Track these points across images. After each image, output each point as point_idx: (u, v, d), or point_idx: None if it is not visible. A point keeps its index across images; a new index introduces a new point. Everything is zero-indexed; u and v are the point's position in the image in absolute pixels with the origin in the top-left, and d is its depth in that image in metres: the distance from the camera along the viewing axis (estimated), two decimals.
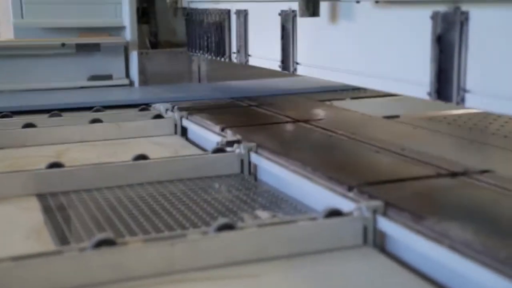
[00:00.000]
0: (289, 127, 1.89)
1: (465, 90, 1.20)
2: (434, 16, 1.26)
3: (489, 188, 1.21)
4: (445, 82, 1.24)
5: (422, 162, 1.39)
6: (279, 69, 1.92)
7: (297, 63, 1.84)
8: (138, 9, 2.83)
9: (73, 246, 1.04)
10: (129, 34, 2.79)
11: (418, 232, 1.03)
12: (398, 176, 1.31)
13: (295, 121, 1.94)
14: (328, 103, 2.31)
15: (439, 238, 0.99)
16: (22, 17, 2.71)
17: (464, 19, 1.19)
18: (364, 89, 2.58)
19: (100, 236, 1.02)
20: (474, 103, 1.18)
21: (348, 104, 2.29)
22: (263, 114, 2.12)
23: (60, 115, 2.15)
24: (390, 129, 1.81)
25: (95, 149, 1.89)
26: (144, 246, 1.03)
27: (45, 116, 2.14)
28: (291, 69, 1.85)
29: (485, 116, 1.92)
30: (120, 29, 2.82)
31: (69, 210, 1.36)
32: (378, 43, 1.49)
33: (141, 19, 2.87)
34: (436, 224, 1.02)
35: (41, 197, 1.44)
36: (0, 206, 1.40)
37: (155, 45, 2.93)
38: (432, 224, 1.03)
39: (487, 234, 0.97)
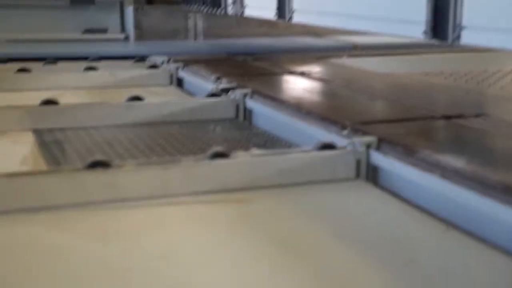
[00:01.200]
0: (285, 77, 1.89)
1: (461, 27, 1.20)
2: None
3: (482, 129, 1.22)
4: (441, 19, 1.24)
5: (417, 107, 1.40)
6: (275, 17, 1.91)
7: (293, 11, 1.83)
8: None
9: (68, 167, 1.04)
10: None
11: (411, 164, 1.04)
12: (392, 118, 1.32)
13: (290, 73, 1.94)
14: (325, 59, 2.31)
15: (431, 168, 1.00)
16: None
17: None
18: (361, 49, 2.59)
19: (95, 157, 1.03)
20: (470, 39, 1.19)
21: (345, 61, 2.29)
22: (259, 66, 2.12)
23: (55, 63, 2.14)
24: (385, 81, 1.82)
25: (90, 95, 1.89)
26: (139, 168, 1.03)
27: (40, 63, 2.13)
28: (287, 16, 1.85)
29: (482, 72, 1.93)
30: None
31: (65, 144, 1.36)
32: None
33: None
34: (428, 156, 1.03)
35: (37, 132, 1.44)
36: None
37: (150, 1, 2.91)
38: (424, 156, 1.04)
39: (477, 163, 0.98)
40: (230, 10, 2.29)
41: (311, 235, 0.90)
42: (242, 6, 2.20)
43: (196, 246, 0.86)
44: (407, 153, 1.07)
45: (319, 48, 2.54)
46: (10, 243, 0.86)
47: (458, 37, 1.23)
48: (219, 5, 2.35)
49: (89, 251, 0.84)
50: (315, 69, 2.05)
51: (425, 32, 1.30)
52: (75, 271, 0.78)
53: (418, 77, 1.84)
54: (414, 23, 1.34)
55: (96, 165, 1.02)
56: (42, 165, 1.22)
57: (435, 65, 2.09)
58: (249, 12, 2.17)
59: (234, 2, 2.24)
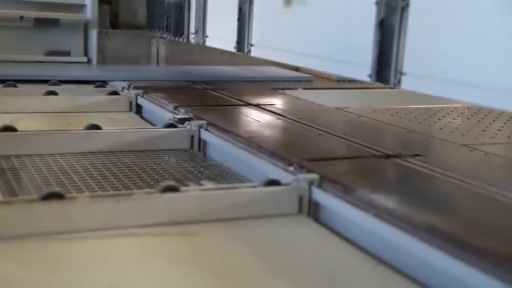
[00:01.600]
0: (240, 109, 1.97)
1: (401, 73, 1.30)
2: (378, 2, 1.36)
3: (417, 169, 1.31)
4: (384, 64, 1.34)
5: (360, 145, 1.49)
6: (234, 50, 2.00)
7: (251, 45, 1.92)
8: None
9: (23, 197, 1.09)
10: (90, 12, 2.82)
11: (348, 201, 1.12)
12: (336, 155, 1.41)
13: (246, 104, 2.02)
14: (280, 91, 2.40)
15: (365, 207, 1.08)
16: None
17: (405, 5, 1.29)
18: (317, 81, 2.69)
19: (49, 189, 1.08)
20: (409, 85, 1.28)
21: (300, 93, 2.38)
22: (217, 96, 2.19)
23: (15, 86, 2.17)
24: (335, 116, 1.91)
25: (49, 120, 1.93)
26: (91, 201, 1.09)
27: (0, 86, 2.16)
28: (246, 50, 1.93)
29: (426, 110, 2.04)
30: (80, 6, 2.85)
31: (21, 172, 1.40)
32: (327, 26, 1.58)
33: None
34: (363, 195, 1.12)
35: None
36: None
37: (115, 25, 2.97)
38: (360, 195, 1.12)
39: (408, 204, 1.07)
40: (192, 39, 2.36)
41: (251, 268, 0.97)
42: (204, 36, 2.28)
43: (142, 277, 0.92)
44: (345, 191, 1.15)
45: (277, 78, 2.63)
46: None
47: (399, 81, 1.33)
48: (181, 34, 2.43)
49: (40, 281, 0.89)
50: (271, 101, 2.13)
51: (369, 76, 1.40)
52: None
53: (367, 112, 1.94)
54: (360, 66, 1.43)
55: (50, 196, 1.07)
56: None
57: (384, 100, 2.20)
58: (210, 42, 2.25)
59: (196, 32, 2.31)
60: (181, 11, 2.40)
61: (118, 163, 1.50)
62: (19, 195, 1.23)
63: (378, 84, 1.38)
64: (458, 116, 1.99)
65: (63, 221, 1.05)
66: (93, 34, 2.81)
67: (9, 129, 1.54)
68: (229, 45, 2.06)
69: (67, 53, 2.79)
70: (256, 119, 1.83)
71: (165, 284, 0.91)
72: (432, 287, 0.93)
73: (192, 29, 2.33)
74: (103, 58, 2.83)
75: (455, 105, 2.06)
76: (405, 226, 0.99)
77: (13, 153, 1.50)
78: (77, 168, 1.45)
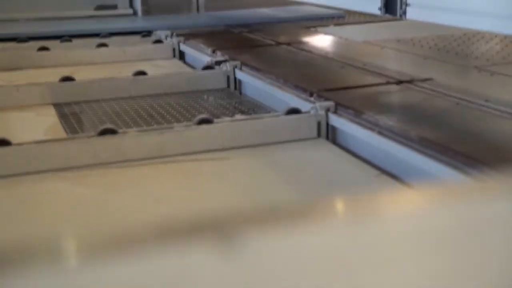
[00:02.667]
0: (272, 48, 2.13)
1: (406, 4, 1.43)
2: None
3: (425, 92, 1.45)
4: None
5: (377, 74, 1.63)
6: None
7: None
8: None
9: (83, 134, 1.31)
10: None
11: (357, 124, 1.29)
12: (353, 84, 1.56)
13: (278, 43, 2.17)
14: (313, 29, 2.53)
15: (372, 127, 1.25)
16: None
17: None
18: (349, 18, 2.80)
19: (104, 126, 1.29)
20: (413, 15, 1.42)
21: (332, 30, 2.51)
22: (252, 38, 2.35)
23: (70, 41, 2.40)
24: (360, 49, 2.05)
25: (102, 69, 2.14)
26: (140, 134, 1.30)
27: (57, 41, 2.39)
28: None
29: (447, 37, 2.15)
30: None
31: (80, 115, 1.63)
32: None
33: None
34: (371, 117, 1.28)
35: (56, 105, 1.71)
36: (21, 113, 1.67)
37: None
38: (367, 117, 1.28)
39: (408, 122, 1.23)
40: None
41: (275, 182, 1.17)
42: None
43: (182, 193, 1.13)
44: (356, 115, 1.31)
45: (311, 16, 2.76)
46: (41, 196, 1.14)
47: (404, 12, 1.46)
48: None
49: (101, 200, 1.11)
50: (302, 38, 2.28)
51: (379, 9, 1.53)
52: (95, 216, 1.05)
53: (391, 43, 2.06)
54: (372, 1, 1.57)
55: (105, 132, 1.28)
56: (63, 134, 1.49)
57: (408, 31, 2.31)
58: None
59: None
60: None
61: (163, 104, 1.71)
62: (80, 134, 1.46)
63: (388, 16, 1.51)
64: (470, 41, 2.09)
65: (117, 152, 1.27)
66: None
67: (68, 79, 1.76)
68: None
69: (114, 7, 2.99)
70: (286, 56, 1.99)
71: (201, 198, 1.11)
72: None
73: None
74: (147, 9, 3.02)
75: (464, 32, 2.16)
76: (402, 140, 1.15)
77: (73, 100, 1.73)
78: (128, 109, 1.66)
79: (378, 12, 1.53)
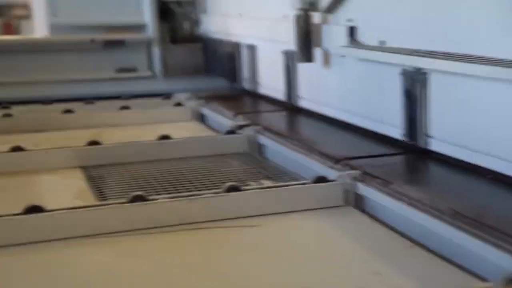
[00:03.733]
0: (293, 112, 2.17)
1: (429, 136, 1.49)
2: (403, 73, 1.56)
3: (452, 162, 1.47)
4: (413, 127, 1.55)
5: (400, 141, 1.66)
6: (284, 99, 2.27)
7: (299, 97, 2.18)
8: (159, 9, 3.13)
9: (115, 201, 1.33)
10: (151, 31, 3.10)
11: (386, 193, 1.30)
12: (378, 152, 1.59)
13: (299, 108, 2.21)
14: None
15: (401, 197, 1.26)
16: (56, 16, 3.03)
17: (425, 78, 1.49)
18: None
19: (135, 193, 1.31)
20: (437, 148, 1.47)
21: None
22: (271, 101, 2.39)
23: (93, 103, 2.45)
24: None
25: (125, 132, 2.18)
26: (169, 201, 1.31)
27: (81, 103, 2.44)
28: (294, 101, 2.20)
29: None
30: (143, 26, 3.13)
31: (107, 178, 1.65)
32: (362, 88, 1.79)
33: (162, 17, 3.17)
34: (399, 187, 1.29)
35: (83, 169, 1.73)
36: (50, 176, 1.70)
37: (174, 40, 3.23)
38: (396, 187, 1.30)
39: (436, 194, 1.24)
40: (245, 85, 2.64)
41: (306, 251, 1.17)
42: (256, 83, 2.55)
43: (214, 261, 1.13)
44: (384, 184, 1.33)
45: None
46: (72, 262, 1.14)
47: (426, 143, 1.53)
48: (235, 79, 2.72)
49: (133, 266, 1.11)
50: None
51: (402, 135, 1.60)
52: (125, 283, 1.05)
53: None
54: (394, 126, 1.64)
55: (136, 199, 1.30)
56: (90, 197, 1.50)
57: None
58: (262, 90, 2.52)
59: (248, 79, 2.59)
60: (233, 59, 2.68)
61: (188, 167, 1.73)
62: (108, 198, 1.47)
63: None
64: None
65: (147, 219, 1.28)
66: (156, 49, 3.08)
67: (95, 143, 1.79)
68: (279, 94, 2.31)
69: (134, 69, 3.07)
70: (308, 121, 2.03)
71: (234, 269, 1.11)
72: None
73: (245, 75, 2.61)
74: (166, 71, 3.09)
75: None
76: (435, 213, 1.16)
77: (100, 163, 1.76)
78: (153, 173, 1.68)
79: (401, 138, 1.59)
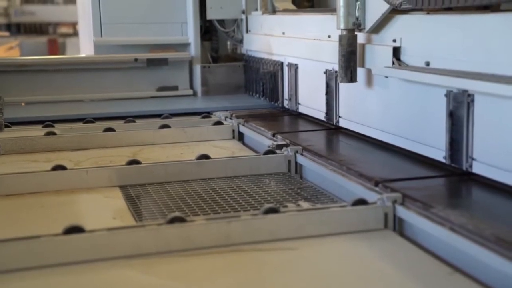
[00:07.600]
0: (333, 132, 2.15)
1: (472, 158, 1.45)
2: (448, 95, 1.52)
3: (492, 184, 1.43)
4: (456, 150, 1.51)
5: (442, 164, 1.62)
6: (324, 119, 2.25)
7: (339, 116, 2.15)
8: (201, 28, 3.16)
9: (153, 222, 1.34)
10: (193, 49, 3.13)
11: (427, 217, 1.27)
12: (419, 174, 1.56)
13: (338, 128, 2.19)
14: None
15: (443, 222, 1.23)
16: (101, 35, 3.09)
17: (471, 100, 1.45)
18: None
19: (173, 214, 1.31)
20: (481, 171, 1.43)
21: None
22: (311, 121, 2.38)
23: (134, 121, 2.48)
24: None
25: (165, 150, 2.20)
26: (207, 223, 1.31)
27: (122, 121, 2.47)
28: (334, 121, 2.18)
29: None
30: (185, 45, 3.16)
31: (146, 198, 1.66)
32: (404, 109, 1.77)
33: (204, 36, 3.20)
34: (441, 211, 1.26)
35: (122, 188, 1.75)
36: (90, 194, 1.72)
37: (216, 59, 3.25)
38: (437, 212, 1.26)
39: (479, 219, 1.20)
40: (286, 105, 2.63)
41: (344, 276, 1.15)
42: (297, 103, 2.54)
43: (253, 285, 1.12)
44: (424, 208, 1.30)
45: None
46: (111, 283, 1.15)
47: (470, 166, 1.49)
48: (276, 99, 2.72)
49: None
50: None
51: (444, 158, 1.56)
52: None
53: None
54: (436, 148, 1.61)
55: (174, 220, 1.30)
56: (130, 217, 1.52)
57: None
58: (302, 110, 2.51)
59: (289, 99, 2.59)
60: (275, 78, 2.68)
61: (226, 188, 1.73)
62: (146, 219, 1.48)
63: None
64: None
65: (185, 240, 1.28)
66: (197, 68, 3.11)
67: (134, 162, 1.81)
68: (320, 114, 2.30)
69: (176, 88, 3.10)
70: (346, 142, 2.00)
71: None
72: None
73: (286, 95, 2.60)
74: (207, 90, 3.11)
75: None
76: (476, 238, 1.13)
77: (139, 183, 1.77)
78: (191, 193, 1.69)
79: (443, 161, 1.55)
